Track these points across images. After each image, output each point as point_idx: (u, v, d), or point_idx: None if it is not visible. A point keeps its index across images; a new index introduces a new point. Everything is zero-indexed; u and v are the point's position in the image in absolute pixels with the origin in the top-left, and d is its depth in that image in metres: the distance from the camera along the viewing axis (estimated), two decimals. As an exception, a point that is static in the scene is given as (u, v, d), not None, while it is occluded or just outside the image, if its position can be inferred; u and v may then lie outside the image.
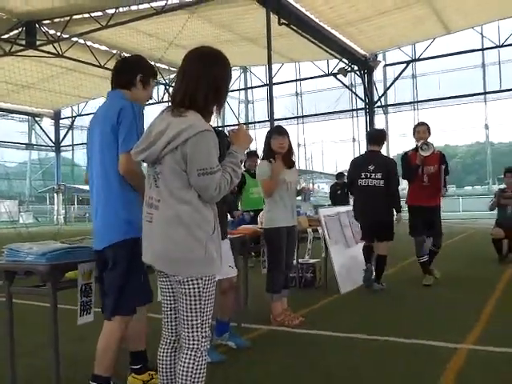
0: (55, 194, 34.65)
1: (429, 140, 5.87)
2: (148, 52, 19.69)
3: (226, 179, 2.07)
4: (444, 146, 58.47)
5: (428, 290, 5.73)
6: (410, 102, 25.89)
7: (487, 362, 3.28)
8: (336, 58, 21.83)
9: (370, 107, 23.71)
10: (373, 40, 20.48)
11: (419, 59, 24.34)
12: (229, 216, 5.65)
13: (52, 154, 35.95)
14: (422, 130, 6.00)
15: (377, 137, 5.99)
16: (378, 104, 24.48)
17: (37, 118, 33.10)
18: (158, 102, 27.44)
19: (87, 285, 2.72)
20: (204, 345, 2.12)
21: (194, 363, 2.08)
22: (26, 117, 34.04)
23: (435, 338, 3.74)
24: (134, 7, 16.45)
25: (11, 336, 2.78)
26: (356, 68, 22.96)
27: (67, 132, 34.70)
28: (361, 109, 24.46)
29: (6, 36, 18.03)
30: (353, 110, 26.22)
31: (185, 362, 2.09)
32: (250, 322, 4.32)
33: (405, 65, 24.22)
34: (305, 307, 4.90)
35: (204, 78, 2.08)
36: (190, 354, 2.09)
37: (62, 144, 34.93)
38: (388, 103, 26.03)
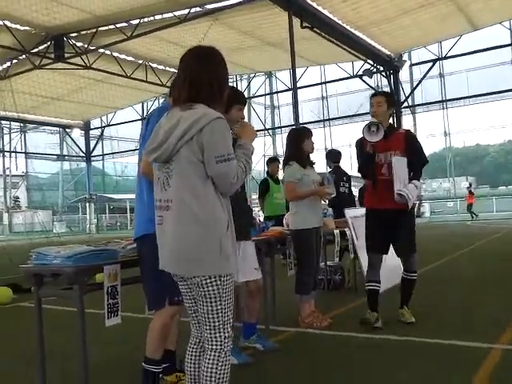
0: (87, 204, 35.36)
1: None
2: (172, 60, 19.96)
3: (240, 168, 2.09)
4: (475, 146, 57.38)
5: (458, 290, 5.59)
6: (438, 101, 25.46)
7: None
8: (361, 59, 21.69)
9: (396, 108, 23.43)
10: (397, 40, 20.26)
11: (446, 57, 23.97)
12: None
13: (83, 165, 36.70)
14: (375, 102, 4.11)
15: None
16: (406, 104, 24.19)
17: (67, 130, 33.87)
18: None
19: (113, 287, 2.75)
20: (227, 345, 2.11)
21: (217, 364, 2.07)
22: (57, 128, 34.83)
23: (466, 339, 3.65)
24: (157, 16, 16.69)
25: (41, 339, 2.83)
26: (381, 69, 22.74)
27: (97, 142, 35.39)
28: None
29: (35, 50, 18.50)
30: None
31: (208, 363, 2.08)
32: (278, 325, 4.28)
33: (431, 64, 23.88)
34: (333, 309, 4.86)
35: (204, 74, 2.12)
36: (214, 355, 2.09)
37: (92, 154, 35.62)
38: (415, 103, 25.67)
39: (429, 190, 38.77)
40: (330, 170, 6.78)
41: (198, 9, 16.08)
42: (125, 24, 17.10)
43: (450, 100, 25.16)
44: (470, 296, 5.28)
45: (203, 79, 2.12)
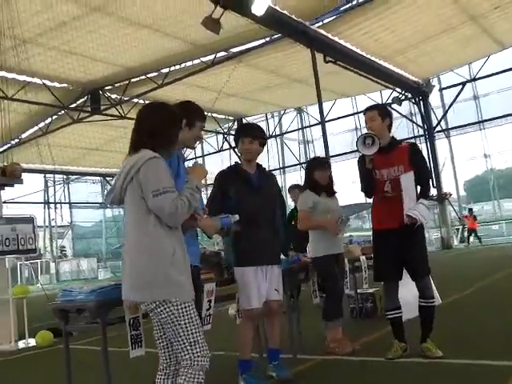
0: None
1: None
2: (201, 104, 20.54)
3: (182, 200, 2.30)
4: (517, 166, 55.77)
5: (490, 313, 5.44)
6: (474, 123, 24.96)
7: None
8: (389, 88, 21.78)
9: (429, 133, 23.24)
10: (423, 66, 20.28)
11: (475, 79, 23.72)
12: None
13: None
14: (368, 118, 3.97)
15: None
16: (439, 128, 23.95)
17: (108, 178, 35.02)
18: (218, 151, 28.39)
19: (135, 318, 2.88)
20: (199, 363, 2.26)
21: (186, 379, 2.24)
22: (98, 178, 36.03)
23: (494, 358, 3.56)
24: (186, 64, 17.34)
25: (69, 373, 2.97)
26: (410, 96, 22.73)
27: (136, 188, 36.32)
28: (420, 135, 23.98)
29: (73, 105, 19.47)
30: (412, 137, 25.73)
31: (180, 378, 2.26)
32: (306, 353, 4.30)
33: (461, 86, 23.67)
34: (363, 336, 4.82)
35: (146, 124, 2.47)
36: (184, 371, 2.27)
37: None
38: (449, 127, 25.32)
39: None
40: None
41: (223, 53, 16.65)
42: (155, 73, 17.84)
43: (486, 121, 24.56)
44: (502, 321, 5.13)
45: (145, 128, 2.45)
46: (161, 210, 2.27)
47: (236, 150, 3.85)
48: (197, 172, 2.55)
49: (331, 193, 4.58)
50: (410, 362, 3.80)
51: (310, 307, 4.83)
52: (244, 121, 27.57)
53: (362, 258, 5.52)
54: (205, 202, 3.19)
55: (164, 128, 2.49)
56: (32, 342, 6.86)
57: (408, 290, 5.83)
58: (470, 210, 24.01)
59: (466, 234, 23.59)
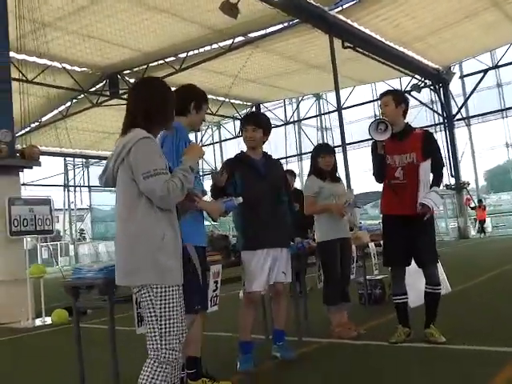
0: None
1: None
2: (218, 90, 20.59)
3: (174, 182, 2.22)
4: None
5: (499, 301, 5.44)
6: (496, 111, 24.47)
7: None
8: (408, 75, 21.50)
9: (448, 121, 22.94)
10: (444, 53, 19.95)
11: (498, 66, 23.25)
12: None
13: (142, 195, 38.00)
14: (382, 103, 4.03)
15: None
16: (459, 116, 23.60)
17: (124, 162, 35.36)
18: (235, 137, 28.40)
19: (142, 297, 2.97)
20: (165, 356, 2.17)
21: (149, 374, 2.15)
22: (117, 162, 36.35)
23: (499, 345, 3.59)
24: (204, 48, 17.35)
25: (79, 352, 3.10)
26: (430, 83, 22.42)
27: (153, 173, 36.63)
28: (440, 123, 23.67)
29: (92, 89, 19.66)
30: (431, 125, 25.40)
31: (144, 372, 2.17)
32: (311, 336, 4.37)
33: (483, 74, 23.24)
34: (370, 321, 4.87)
35: (139, 102, 2.36)
36: (149, 363, 2.18)
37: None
38: (469, 115, 24.90)
39: (492, 204, 37.18)
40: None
41: (241, 38, 16.61)
42: (173, 58, 17.89)
43: (509, 109, 23.93)
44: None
45: (138, 107, 2.35)
46: (152, 192, 2.19)
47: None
48: (192, 152, 2.47)
49: (336, 178, 4.62)
50: (413, 346, 3.85)
51: (317, 291, 4.89)
52: (262, 107, 27.52)
53: (371, 244, 5.55)
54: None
55: (159, 105, 2.39)
56: (48, 320, 7.07)
57: (417, 278, 5.87)
58: (480, 200, 23.49)
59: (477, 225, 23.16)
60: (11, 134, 7.32)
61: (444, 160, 4.18)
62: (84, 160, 34.81)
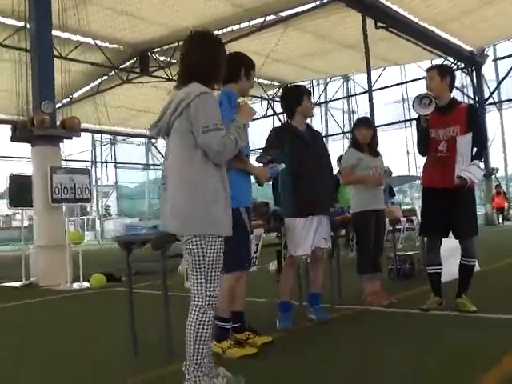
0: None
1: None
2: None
3: (230, 139, 2.33)
4: None
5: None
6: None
7: None
8: (441, 56, 21.15)
9: (480, 105, 22.56)
10: (479, 34, 19.51)
11: (533, 49, 22.67)
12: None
13: (167, 173, 38.49)
14: (428, 77, 4.06)
15: None
16: (491, 101, 23.20)
17: (153, 140, 35.74)
18: (263, 117, 28.43)
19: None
20: (209, 303, 2.31)
21: (196, 320, 2.30)
22: (143, 139, 36.82)
23: None
24: (234, 27, 17.37)
25: (131, 308, 3.31)
26: (463, 66, 22.04)
27: (179, 151, 37.02)
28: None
29: (123, 66, 19.91)
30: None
31: (191, 319, 2.32)
32: (344, 303, 4.54)
33: (517, 57, 22.72)
34: (401, 293, 5.01)
35: (196, 55, 2.41)
36: (195, 311, 2.32)
37: (175, 162, 37.26)
38: (502, 99, 24.41)
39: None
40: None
41: (272, 17, 16.57)
42: (203, 36, 17.97)
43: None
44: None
45: (195, 60, 2.40)
46: (209, 146, 2.28)
47: (281, 115, 4.06)
48: (244, 112, 2.57)
49: (375, 152, 4.73)
50: (444, 314, 3.98)
51: (348, 260, 5.06)
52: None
53: (403, 219, 5.66)
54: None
55: (216, 59, 2.43)
56: (85, 284, 7.40)
57: (450, 255, 5.96)
58: (498, 185, 22.28)
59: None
60: (53, 105, 7.59)
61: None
62: (111, 137, 35.37)
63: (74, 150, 30.11)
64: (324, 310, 4.04)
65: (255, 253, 3.61)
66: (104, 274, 7.46)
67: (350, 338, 3.54)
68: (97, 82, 22.13)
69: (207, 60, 2.42)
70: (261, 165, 3.33)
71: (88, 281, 7.39)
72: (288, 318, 3.78)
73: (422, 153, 4.12)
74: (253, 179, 3.30)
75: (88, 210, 36.94)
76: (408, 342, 3.34)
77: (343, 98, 29.64)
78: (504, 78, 23.15)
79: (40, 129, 7.34)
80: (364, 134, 4.62)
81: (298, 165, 3.70)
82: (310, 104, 4.00)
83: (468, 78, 22.83)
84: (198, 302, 2.33)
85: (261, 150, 3.70)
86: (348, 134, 30.24)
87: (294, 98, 3.93)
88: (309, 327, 3.88)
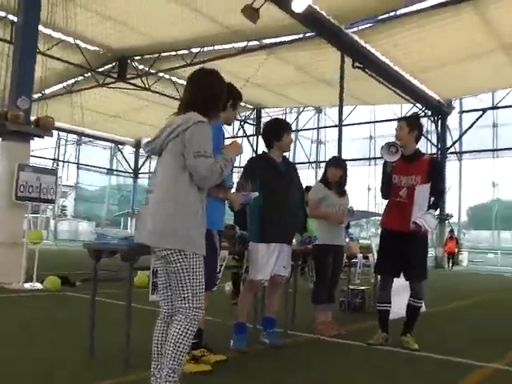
0: (129, 218, 36.58)
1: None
2: (227, 89, 20.88)
3: (216, 167, 2.54)
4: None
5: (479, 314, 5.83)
6: (487, 150, 25.08)
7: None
8: (410, 102, 22.04)
9: (442, 153, 23.55)
10: (449, 87, 20.51)
11: (497, 107, 23.93)
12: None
13: (129, 181, 38.13)
14: (398, 126, 4.34)
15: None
16: (452, 150, 24.23)
17: (120, 146, 35.43)
18: (233, 137, 28.70)
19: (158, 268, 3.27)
20: (195, 314, 2.49)
21: (181, 328, 2.45)
22: (110, 144, 36.42)
23: (466, 356, 3.98)
24: (217, 47, 17.67)
25: (93, 314, 3.39)
26: (430, 113, 23.03)
27: (145, 160, 36.77)
28: (433, 154, 24.21)
29: (101, 69, 19.85)
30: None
31: (175, 325, 2.47)
32: (296, 330, 4.71)
33: (481, 112, 23.89)
34: (351, 325, 5.22)
35: (199, 90, 2.68)
36: (181, 318, 2.48)
37: (140, 171, 37.02)
38: (463, 150, 25.49)
39: (471, 240, 37.95)
40: None
41: (255, 42, 16.96)
42: (186, 51, 18.17)
43: (501, 150, 24.54)
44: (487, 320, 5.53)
45: (201, 91, 2.66)
46: (197, 170, 2.48)
47: (255, 138, 4.24)
48: (234, 148, 2.79)
49: (341, 192, 4.98)
50: (388, 350, 4.21)
51: (307, 289, 5.25)
52: (263, 112, 27.91)
53: (359, 255, 5.91)
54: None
55: (218, 93, 2.73)
56: (38, 285, 7.29)
57: (400, 293, 6.23)
58: (451, 230, 23.22)
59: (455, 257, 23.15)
60: (29, 102, 7.56)
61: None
62: (78, 138, 34.86)
63: (37, 146, 29.50)
64: (277, 335, 4.20)
65: (218, 273, 3.75)
66: (59, 276, 7.39)
67: (302, 364, 3.70)
68: (71, 82, 21.94)
69: (209, 94, 2.67)
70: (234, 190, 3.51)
71: (41, 282, 7.30)
72: (242, 340, 3.92)
73: (384, 196, 4.38)
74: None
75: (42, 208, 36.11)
76: (352, 373, 3.53)
77: (314, 128, 30.33)
78: (466, 130, 24.31)
79: (13, 124, 7.28)
80: (334, 173, 4.90)
81: (269, 193, 3.87)
82: (290, 139, 4.18)
83: (433, 126, 23.83)
84: (184, 313, 2.49)
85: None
86: (314, 165, 30.96)
87: (275, 132, 4.14)
88: (261, 350, 4.02)
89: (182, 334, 2.45)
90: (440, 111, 22.78)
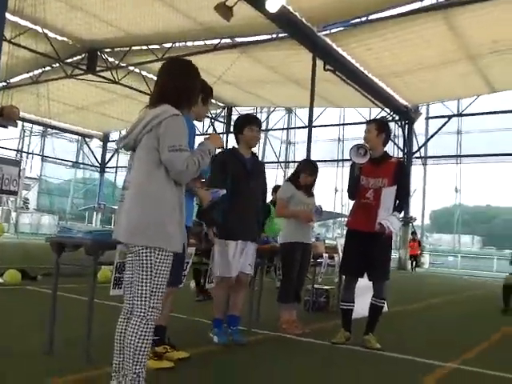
0: (94, 213, 35.97)
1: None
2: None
3: (193, 160, 2.45)
4: (486, 206, 57.90)
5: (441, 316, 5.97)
6: (451, 156, 25.73)
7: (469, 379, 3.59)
8: (378, 106, 22.40)
9: (407, 157, 24.02)
10: (416, 93, 20.96)
11: (462, 114, 24.58)
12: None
13: (96, 175, 37.50)
14: (366, 129, 4.41)
15: None
16: (418, 155, 24.76)
17: (87, 139, 34.79)
18: (203, 134, 28.59)
19: (122, 263, 3.22)
20: (151, 314, 2.40)
21: (138, 330, 2.37)
22: (76, 137, 35.73)
23: (425, 356, 4.07)
24: (189, 43, 17.55)
25: (53, 309, 3.32)
26: (397, 118, 23.47)
27: (113, 154, 36.24)
28: (399, 158, 24.63)
29: (69, 60, 19.43)
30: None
31: (132, 329, 2.39)
32: (260, 328, 4.72)
33: (447, 119, 24.50)
34: (315, 324, 5.27)
35: (171, 81, 2.58)
36: (136, 321, 2.40)
37: (107, 166, 36.44)
38: (428, 155, 26.07)
39: (433, 243, 38.92)
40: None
41: (228, 40, 16.92)
42: (157, 46, 17.98)
43: (464, 156, 25.25)
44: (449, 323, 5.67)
45: (170, 83, 2.56)
46: (172, 164, 2.38)
47: (235, 135, 4.22)
48: (215, 139, 2.68)
49: (309, 193, 5.02)
50: (351, 348, 4.27)
51: (272, 288, 5.27)
52: (234, 110, 27.88)
53: (325, 255, 5.97)
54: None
55: (191, 85, 2.61)
56: (-2, 279, 7.08)
57: (364, 293, 6.32)
58: (414, 232, 23.61)
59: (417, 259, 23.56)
60: (-7, 90, 7.32)
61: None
62: (43, 129, 34.07)
63: (0, 136, 28.67)
64: (241, 333, 4.20)
65: (184, 270, 3.72)
66: (19, 270, 7.20)
67: (265, 360, 3.71)
68: (38, 72, 21.40)
69: (180, 85, 2.56)
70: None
71: (1, 275, 7.09)
72: (224, 335, 4.00)
73: (351, 197, 4.43)
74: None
75: (4, 200, 35.18)
76: (315, 371, 3.57)
77: (283, 128, 30.47)
78: (432, 135, 24.90)
79: (-25, 112, 7.03)
80: (307, 179, 4.92)
81: (235, 189, 3.86)
82: (253, 134, 4.11)
83: (400, 130, 24.29)
84: (141, 312, 2.40)
85: None
86: (283, 165, 31.12)
87: (238, 126, 4.16)
88: (225, 347, 4.00)
89: (140, 339, 2.38)
90: (407, 116, 23.24)
